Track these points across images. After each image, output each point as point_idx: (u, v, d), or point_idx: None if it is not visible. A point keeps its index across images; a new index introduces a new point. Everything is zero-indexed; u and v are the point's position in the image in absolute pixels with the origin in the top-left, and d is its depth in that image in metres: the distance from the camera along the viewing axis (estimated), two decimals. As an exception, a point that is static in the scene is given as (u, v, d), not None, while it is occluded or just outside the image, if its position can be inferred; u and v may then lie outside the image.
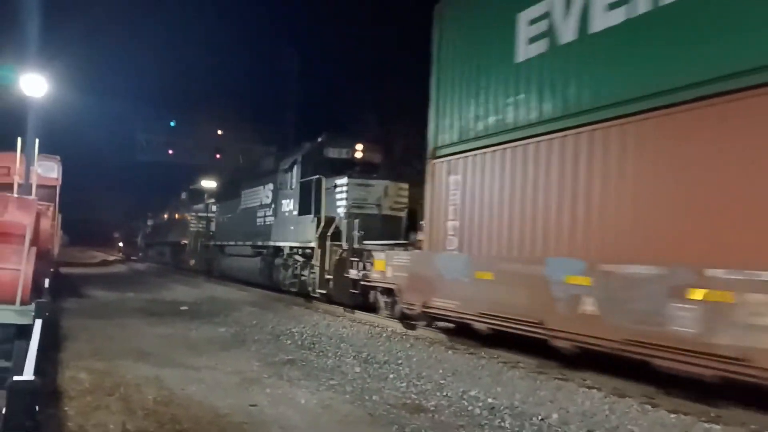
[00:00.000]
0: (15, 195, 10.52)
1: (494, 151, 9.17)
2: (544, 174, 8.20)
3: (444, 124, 10.44)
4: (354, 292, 13.22)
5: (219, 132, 46.05)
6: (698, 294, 6.00)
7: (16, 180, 14.00)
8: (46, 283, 10.01)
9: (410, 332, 11.13)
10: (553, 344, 7.74)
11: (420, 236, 11.16)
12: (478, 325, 9.13)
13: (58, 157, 20.34)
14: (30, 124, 14.80)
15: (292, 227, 17.00)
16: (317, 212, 15.20)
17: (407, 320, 11.37)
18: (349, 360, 8.47)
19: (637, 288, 6.61)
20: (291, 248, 16.90)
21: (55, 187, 19.37)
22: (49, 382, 6.34)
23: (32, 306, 6.99)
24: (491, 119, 9.35)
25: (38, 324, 5.89)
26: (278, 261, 17.85)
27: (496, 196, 9.06)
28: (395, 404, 6.24)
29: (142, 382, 6.66)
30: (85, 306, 14.15)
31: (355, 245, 13.46)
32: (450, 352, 9.29)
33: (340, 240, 14.22)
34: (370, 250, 12.85)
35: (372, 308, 12.98)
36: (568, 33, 8.08)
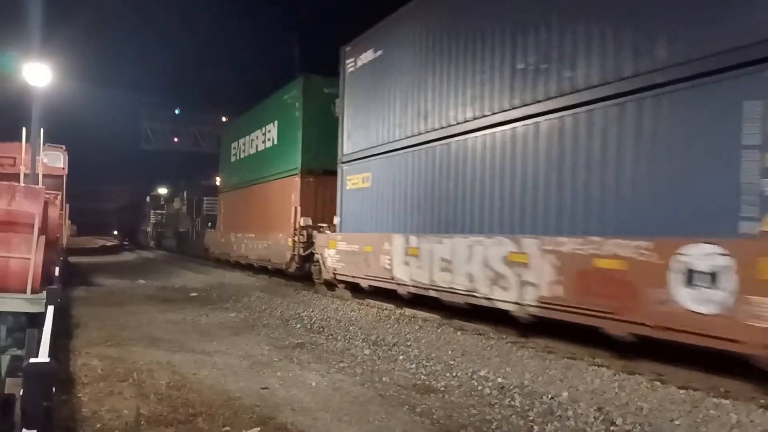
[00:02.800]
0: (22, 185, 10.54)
1: (234, 191, 24.08)
2: (247, 201, 22.18)
3: (222, 177, 27.29)
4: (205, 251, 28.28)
5: (224, 119, 45.98)
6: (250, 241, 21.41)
7: (22, 170, 14.03)
8: (56, 271, 10.08)
9: (418, 314, 11.17)
10: (230, 261, 23.64)
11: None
12: (221, 258, 24.98)
13: (64, 147, 20.40)
14: (34, 114, 14.79)
15: (184, 221, 37.42)
16: (191, 214, 35.67)
17: (219, 261, 25.34)
18: (359, 343, 8.52)
19: (246, 240, 21.87)
20: (184, 231, 37.09)
21: (61, 176, 19.44)
22: (61, 369, 6.40)
23: (43, 294, 7.05)
24: (231, 179, 24.88)
25: (50, 310, 5.93)
26: (181, 239, 37.92)
27: (232, 208, 24.24)
28: (405, 385, 6.28)
29: (154, 368, 6.71)
30: (95, 294, 14.26)
31: (199, 230, 32.89)
32: (459, 333, 9.32)
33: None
34: (206, 232, 29.64)
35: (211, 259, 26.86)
36: (240, 155, 23.84)
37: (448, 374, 6.76)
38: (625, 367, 6.98)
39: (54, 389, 3.62)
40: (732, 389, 6.01)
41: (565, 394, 5.91)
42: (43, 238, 7.49)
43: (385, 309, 12.00)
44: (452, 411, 5.42)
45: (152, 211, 47.21)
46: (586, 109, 7.79)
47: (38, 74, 15.18)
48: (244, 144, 23.31)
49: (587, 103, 7.78)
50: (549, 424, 5.09)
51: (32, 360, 3.72)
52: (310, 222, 16.45)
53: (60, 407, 5.13)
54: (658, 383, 6.28)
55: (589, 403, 5.60)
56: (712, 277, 5.97)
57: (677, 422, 5.14)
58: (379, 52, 13.03)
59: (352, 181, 13.85)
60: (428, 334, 9.24)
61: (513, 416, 5.31)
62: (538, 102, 8.58)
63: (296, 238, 16.69)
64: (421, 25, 11.55)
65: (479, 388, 6.20)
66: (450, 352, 7.87)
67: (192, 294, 14.70)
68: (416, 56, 11.64)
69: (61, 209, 14.79)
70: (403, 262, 11.25)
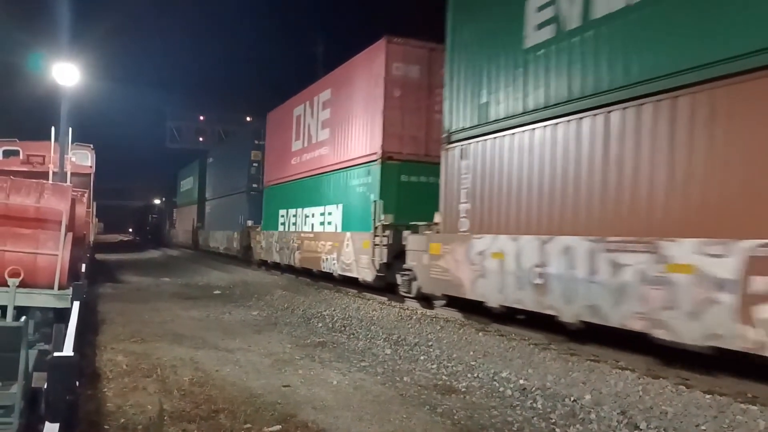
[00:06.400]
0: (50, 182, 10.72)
1: (180, 207, 48.41)
2: (184, 214, 46.98)
3: (178, 198, 49.77)
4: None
5: (248, 118, 46.31)
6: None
7: (51, 168, 14.29)
8: (83, 268, 10.23)
9: (440, 314, 11.14)
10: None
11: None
12: (176, 244, 46.74)
13: (91, 146, 20.73)
14: (63, 113, 15.04)
15: (164, 223, 55.33)
16: (165, 219, 54.67)
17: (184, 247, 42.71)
18: (380, 342, 8.52)
19: (181, 233, 46.21)
20: (164, 230, 54.37)
21: (89, 174, 19.75)
22: (88, 364, 6.51)
23: (69, 290, 7.15)
24: (179, 201, 47.74)
25: (76, 305, 6.02)
26: (162, 235, 53.77)
27: (178, 216, 49.14)
28: (426, 385, 6.27)
29: (178, 364, 6.79)
30: (121, 291, 14.46)
31: (169, 229, 51.62)
32: (480, 334, 9.28)
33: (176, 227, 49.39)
34: (170, 230, 50.87)
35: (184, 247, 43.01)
36: (183, 188, 46.57)
37: (469, 375, 6.74)
38: (650, 370, 6.88)
39: (77, 383, 3.67)
40: (760, 394, 5.89)
41: (588, 396, 5.85)
42: (70, 235, 7.61)
43: (407, 309, 12.00)
44: (473, 412, 5.40)
45: (150, 215, 65.06)
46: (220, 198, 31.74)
47: (67, 74, 15.43)
48: (183, 183, 44.04)
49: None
50: (571, 427, 5.04)
51: (56, 354, 3.78)
52: (199, 224, 36.76)
53: (86, 402, 5.21)
54: (683, 387, 6.19)
55: (613, 407, 5.53)
56: (237, 241, 26.78)
57: (703, 427, 5.06)
58: (214, 159, 34.16)
59: (207, 208, 34.65)
60: (450, 334, 9.21)
61: (535, 418, 5.27)
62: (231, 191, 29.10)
63: (193, 231, 37.83)
64: (216, 153, 35.30)
65: (501, 389, 6.17)
66: (472, 353, 7.83)
67: (215, 292, 14.83)
68: (215, 165, 34.00)
69: (88, 207, 15.02)
70: (216, 241, 30.82)
